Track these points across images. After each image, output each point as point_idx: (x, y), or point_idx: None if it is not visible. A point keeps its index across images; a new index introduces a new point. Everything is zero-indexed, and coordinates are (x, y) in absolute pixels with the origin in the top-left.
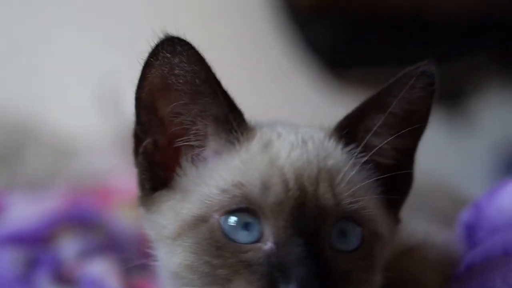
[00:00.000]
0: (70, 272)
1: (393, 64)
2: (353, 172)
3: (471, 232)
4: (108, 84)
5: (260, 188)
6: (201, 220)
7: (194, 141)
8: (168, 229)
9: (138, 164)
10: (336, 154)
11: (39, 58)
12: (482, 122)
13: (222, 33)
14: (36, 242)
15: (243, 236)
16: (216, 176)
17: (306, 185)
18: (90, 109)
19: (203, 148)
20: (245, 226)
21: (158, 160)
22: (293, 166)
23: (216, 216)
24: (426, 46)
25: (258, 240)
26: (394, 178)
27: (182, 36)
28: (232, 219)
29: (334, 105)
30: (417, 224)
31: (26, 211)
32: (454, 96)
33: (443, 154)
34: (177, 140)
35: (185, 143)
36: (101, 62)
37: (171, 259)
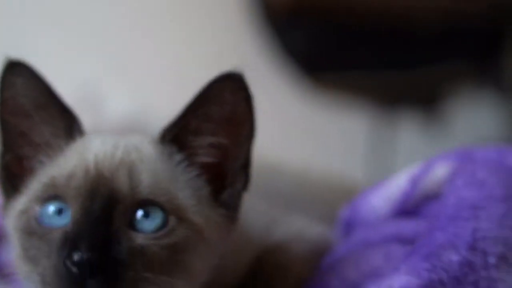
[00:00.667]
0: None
1: (369, 68)
2: (160, 165)
3: (348, 229)
4: (88, 90)
5: (66, 177)
6: (23, 211)
7: (36, 150)
8: (10, 224)
9: (2, 175)
10: (145, 150)
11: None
12: (456, 125)
13: (199, 35)
14: None
15: (56, 221)
16: (43, 176)
17: (104, 172)
18: None
19: (43, 155)
20: (59, 212)
21: (15, 171)
22: (96, 158)
23: (35, 206)
24: (401, 52)
25: (65, 225)
26: (223, 178)
27: (24, 61)
28: (46, 206)
29: (310, 108)
30: (292, 221)
31: None
32: (430, 100)
33: (420, 155)
34: (24, 150)
35: (30, 153)
36: (82, 68)
37: (13, 247)
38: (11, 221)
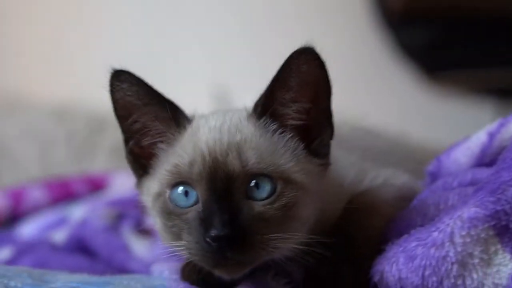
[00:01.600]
0: (149, 227)
1: (487, 65)
2: (261, 140)
3: (433, 179)
4: (223, 89)
5: (188, 165)
6: (159, 194)
7: (154, 138)
8: (148, 203)
9: (128, 160)
10: (246, 129)
11: (164, 60)
12: None
13: (325, 35)
14: (126, 206)
15: (184, 201)
16: (166, 163)
17: (218, 157)
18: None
19: (161, 143)
20: (186, 194)
21: (140, 156)
22: (208, 146)
23: (167, 190)
24: None
25: (194, 204)
26: (312, 133)
27: (126, 68)
28: (176, 191)
29: (430, 106)
30: (381, 171)
31: (126, 186)
32: None
33: None
34: (143, 139)
35: (149, 141)
36: (216, 69)
37: (155, 222)
38: (148, 200)
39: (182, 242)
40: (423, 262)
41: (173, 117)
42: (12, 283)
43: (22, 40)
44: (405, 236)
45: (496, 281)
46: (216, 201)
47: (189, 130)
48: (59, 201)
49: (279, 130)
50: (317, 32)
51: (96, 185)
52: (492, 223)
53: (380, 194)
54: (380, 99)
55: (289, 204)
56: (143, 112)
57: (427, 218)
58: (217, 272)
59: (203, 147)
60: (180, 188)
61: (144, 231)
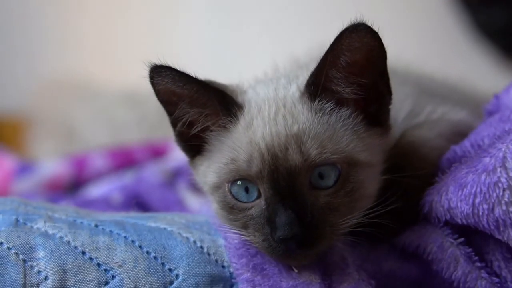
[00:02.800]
0: None
1: None
2: (319, 125)
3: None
4: None
5: (246, 163)
6: (217, 187)
7: (203, 125)
8: (204, 187)
9: (177, 143)
10: (302, 117)
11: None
12: None
13: (400, 15)
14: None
15: (245, 197)
16: (221, 153)
17: (277, 153)
18: None
19: (210, 131)
20: (246, 189)
21: (189, 137)
22: (266, 141)
23: (226, 184)
24: None
25: (256, 199)
26: (370, 103)
27: (164, 63)
28: (236, 185)
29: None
30: (439, 104)
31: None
32: None
33: None
34: (194, 127)
35: (199, 128)
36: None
37: (212, 205)
38: (204, 185)
39: (248, 235)
40: (474, 189)
41: (221, 106)
42: (56, 215)
43: (96, 30)
44: (456, 164)
45: None
46: (280, 199)
47: (242, 122)
48: (121, 167)
49: (336, 109)
50: (394, 14)
51: (157, 152)
52: None
53: (435, 128)
54: (457, 81)
55: (355, 185)
56: (188, 103)
57: (481, 149)
58: (287, 263)
59: (260, 142)
60: (240, 183)
61: (198, 189)
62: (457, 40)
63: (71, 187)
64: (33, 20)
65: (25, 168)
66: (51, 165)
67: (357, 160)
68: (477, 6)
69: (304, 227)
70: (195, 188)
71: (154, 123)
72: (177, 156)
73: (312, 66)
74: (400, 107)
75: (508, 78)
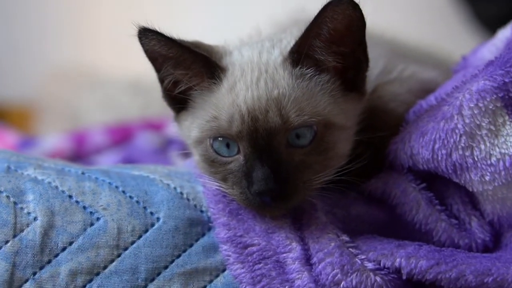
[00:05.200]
0: None
1: None
2: (299, 90)
3: None
4: None
5: (227, 123)
6: (200, 141)
7: (189, 85)
8: (187, 140)
9: (164, 98)
10: (283, 82)
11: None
12: None
13: (398, 7)
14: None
15: (226, 152)
16: (204, 111)
17: (258, 115)
18: None
19: (196, 89)
20: (227, 145)
21: (175, 94)
22: (247, 104)
23: (208, 139)
24: None
25: (236, 154)
26: (348, 70)
27: (151, 27)
28: (218, 141)
29: None
30: (410, 64)
31: None
32: None
33: None
34: (178, 86)
35: (184, 87)
36: None
37: (194, 157)
38: (187, 140)
39: (227, 187)
40: (433, 136)
41: (205, 69)
42: (46, 164)
43: (99, 19)
44: (419, 114)
45: (503, 150)
46: (258, 156)
47: (225, 83)
48: (120, 143)
49: (316, 75)
50: (393, 5)
51: (154, 127)
52: (500, 94)
53: (405, 84)
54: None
55: (329, 145)
56: (172, 65)
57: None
58: (261, 214)
59: (241, 105)
60: (222, 140)
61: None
62: (457, 31)
63: (71, 161)
64: (41, 10)
65: (27, 142)
66: (52, 140)
67: (333, 123)
68: None
69: (278, 182)
70: (186, 155)
71: (158, 111)
72: (171, 128)
73: (295, 31)
74: (374, 65)
75: None
